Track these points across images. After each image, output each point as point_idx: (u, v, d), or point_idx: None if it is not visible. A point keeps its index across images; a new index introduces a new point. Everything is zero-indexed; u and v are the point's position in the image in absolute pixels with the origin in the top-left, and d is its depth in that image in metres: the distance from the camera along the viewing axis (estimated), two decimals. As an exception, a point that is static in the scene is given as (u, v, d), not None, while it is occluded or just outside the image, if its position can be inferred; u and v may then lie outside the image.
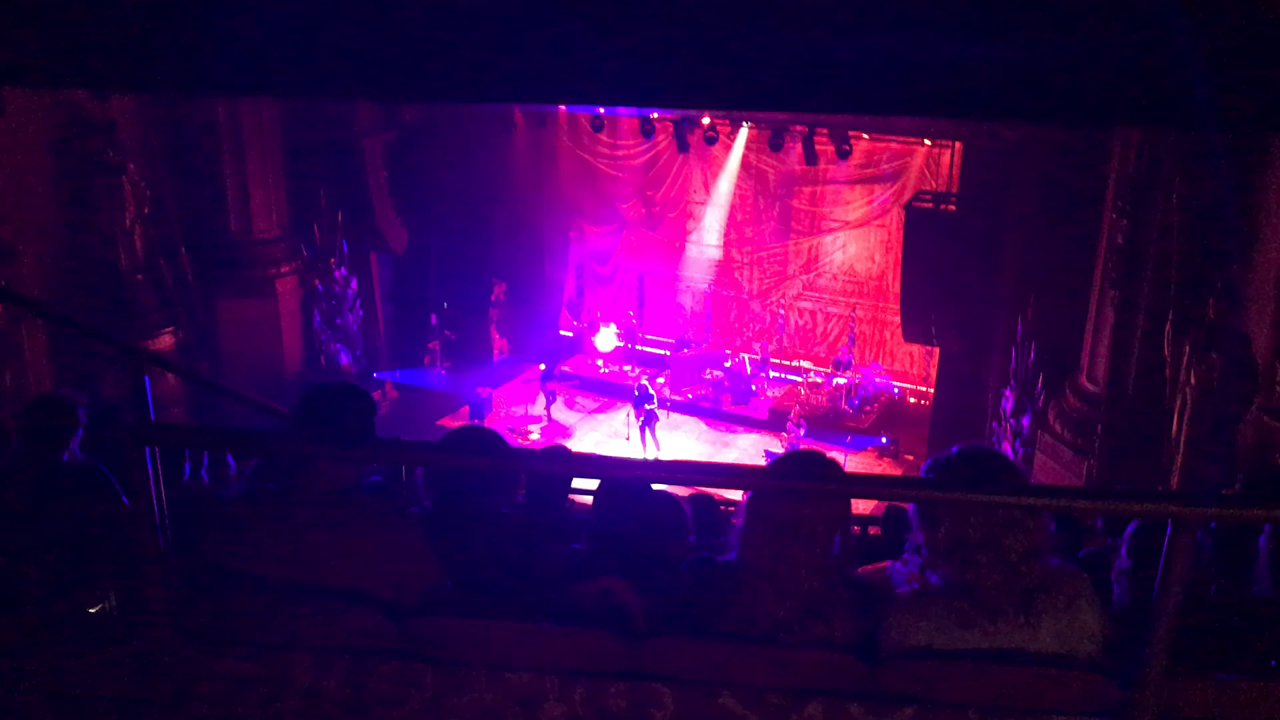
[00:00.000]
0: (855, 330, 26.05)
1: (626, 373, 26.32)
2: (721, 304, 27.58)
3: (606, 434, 23.71)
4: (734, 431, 24.08)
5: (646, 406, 22.98)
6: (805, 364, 26.43)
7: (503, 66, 4.18)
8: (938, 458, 4.35)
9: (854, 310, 26.04)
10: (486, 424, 21.58)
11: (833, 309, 26.40)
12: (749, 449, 23.24)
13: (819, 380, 25.54)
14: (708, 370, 25.87)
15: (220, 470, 7.03)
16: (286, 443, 4.25)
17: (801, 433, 22.95)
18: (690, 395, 25.14)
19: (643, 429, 23.06)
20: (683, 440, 23.63)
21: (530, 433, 23.49)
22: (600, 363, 26.92)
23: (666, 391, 25.02)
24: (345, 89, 4.56)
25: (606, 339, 27.27)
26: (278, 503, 4.31)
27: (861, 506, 10.41)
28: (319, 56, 4.31)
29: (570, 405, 25.20)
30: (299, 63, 4.31)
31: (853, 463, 21.95)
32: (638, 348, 27.38)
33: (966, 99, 4.03)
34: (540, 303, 27.44)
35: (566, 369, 26.42)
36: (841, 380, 25.13)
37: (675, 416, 24.56)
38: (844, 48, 4.00)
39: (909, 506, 4.30)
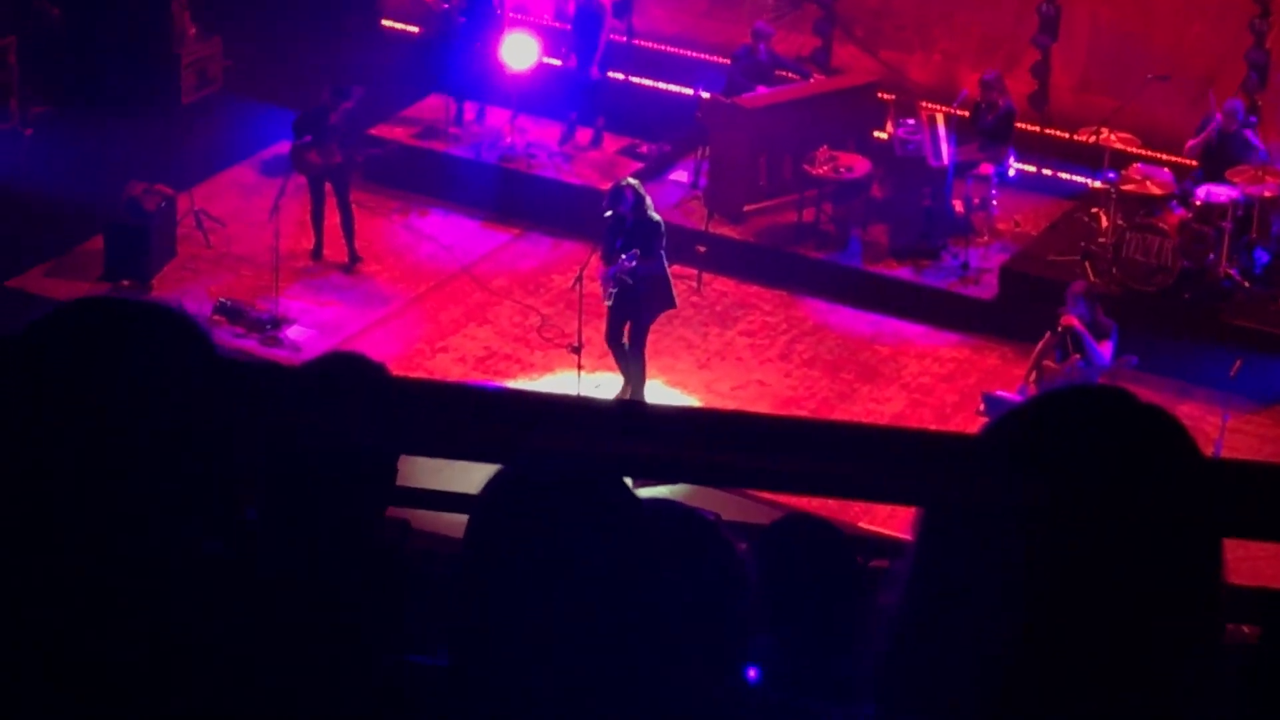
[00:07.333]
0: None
1: (568, 144, 18.78)
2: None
3: (505, 333, 16.55)
4: (894, 328, 16.58)
5: (623, 268, 15.15)
6: (1112, 139, 17.52)
7: None
8: None
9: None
10: (166, 288, 16.98)
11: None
12: (932, 384, 15.95)
13: (1153, 190, 16.64)
14: (824, 156, 17.13)
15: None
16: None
17: (1122, 359, 15.11)
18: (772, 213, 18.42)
19: (614, 322, 15.55)
20: (739, 359, 16.39)
21: (280, 319, 16.47)
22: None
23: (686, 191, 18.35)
24: None
25: (520, 46, 18.70)
26: None
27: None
28: None
29: (388, 240, 18.19)
30: None
31: (1244, 435, 15.21)
32: (608, 75, 18.73)
33: None
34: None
35: (406, 126, 19.00)
36: (1220, 188, 16.80)
37: (718, 288, 16.94)
38: None
39: None
